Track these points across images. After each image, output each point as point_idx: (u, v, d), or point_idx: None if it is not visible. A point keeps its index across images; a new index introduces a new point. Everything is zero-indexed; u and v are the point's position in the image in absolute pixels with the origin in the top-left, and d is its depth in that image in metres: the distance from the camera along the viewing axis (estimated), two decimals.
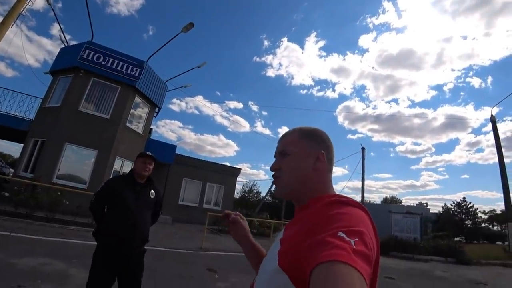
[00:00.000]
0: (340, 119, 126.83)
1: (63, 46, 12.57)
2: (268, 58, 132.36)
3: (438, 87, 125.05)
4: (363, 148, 21.99)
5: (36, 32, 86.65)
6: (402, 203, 45.78)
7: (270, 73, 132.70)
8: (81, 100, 11.04)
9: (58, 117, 10.65)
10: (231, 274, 5.54)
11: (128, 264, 2.33)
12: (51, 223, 7.21)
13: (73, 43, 12.85)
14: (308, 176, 0.80)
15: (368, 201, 47.45)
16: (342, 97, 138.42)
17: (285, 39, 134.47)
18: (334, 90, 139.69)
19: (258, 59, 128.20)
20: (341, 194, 0.77)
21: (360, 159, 22.18)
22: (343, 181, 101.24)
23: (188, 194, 16.91)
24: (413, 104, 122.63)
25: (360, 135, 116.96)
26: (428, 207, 40.43)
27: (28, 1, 8.17)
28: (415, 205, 42.00)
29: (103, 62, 11.35)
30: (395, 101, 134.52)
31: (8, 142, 19.85)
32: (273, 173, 0.86)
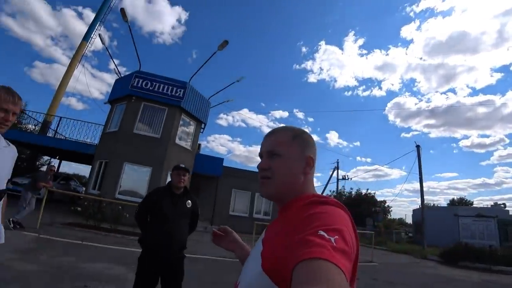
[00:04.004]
0: (391, 117, 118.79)
1: (117, 78, 14.31)
2: (308, 64, 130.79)
3: (504, 69, 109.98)
4: (417, 146, 20.32)
5: (99, 69, 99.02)
6: (474, 205, 40.62)
7: (312, 78, 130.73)
8: (135, 123, 12.33)
9: (117, 140, 12.08)
10: None
11: (168, 268, 2.52)
12: (114, 233, 8.15)
13: (127, 73, 14.54)
14: (297, 179, 0.80)
15: (431, 204, 42.97)
16: (391, 94, 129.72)
17: (322, 43, 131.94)
18: (380, 88, 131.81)
19: (298, 66, 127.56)
20: (320, 194, 0.80)
21: (415, 159, 20.54)
22: (401, 184, 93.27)
23: (238, 204, 17.30)
24: (474, 92, 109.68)
25: (416, 133, 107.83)
26: (507, 208, 35.24)
27: (87, 46, 9.84)
28: (489, 206, 37.05)
29: (150, 88, 12.59)
30: (452, 91, 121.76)
31: (81, 165, 23.04)
32: (260, 172, 0.84)
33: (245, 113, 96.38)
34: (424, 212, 18.46)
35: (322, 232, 0.55)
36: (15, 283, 3.58)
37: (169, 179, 12.66)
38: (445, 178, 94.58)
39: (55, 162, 20.67)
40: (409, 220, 39.18)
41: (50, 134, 16.64)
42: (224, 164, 16.39)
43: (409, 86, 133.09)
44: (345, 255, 0.51)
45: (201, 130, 15.60)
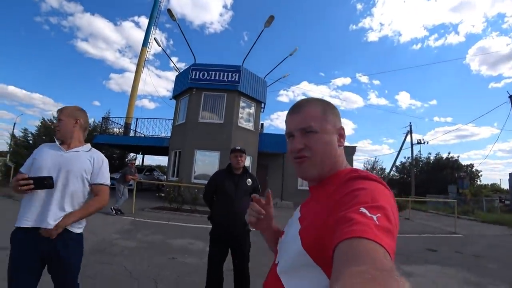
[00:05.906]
0: (475, 66, 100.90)
1: (177, 74, 15.32)
2: (366, 22, 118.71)
3: None
4: (511, 97, 17.07)
5: (162, 70, 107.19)
6: None
7: (373, 37, 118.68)
8: (199, 113, 13.14)
9: (186, 131, 13.13)
10: None
11: (235, 241, 2.78)
12: (194, 213, 9.11)
13: (185, 68, 15.43)
14: (335, 154, 0.77)
15: None
16: (472, 38, 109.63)
17: None
18: (457, 33, 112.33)
19: (354, 26, 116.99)
20: (358, 168, 0.76)
21: (510, 111, 17.31)
22: (492, 144, 79.44)
23: None
24: None
25: (509, 80, 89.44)
26: None
27: (147, 50, 10.86)
28: None
29: (208, 77, 13.15)
30: None
31: (161, 156, 26.10)
32: (295, 153, 0.77)
33: (304, 86, 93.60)
34: None
35: (363, 210, 0.52)
36: (120, 255, 4.37)
37: None
38: None
39: (139, 157, 23.64)
40: (505, 185, 33.59)
41: (131, 134, 19.04)
42: None
43: (496, 24, 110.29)
44: (389, 234, 0.49)
45: (262, 110, 15.60)
